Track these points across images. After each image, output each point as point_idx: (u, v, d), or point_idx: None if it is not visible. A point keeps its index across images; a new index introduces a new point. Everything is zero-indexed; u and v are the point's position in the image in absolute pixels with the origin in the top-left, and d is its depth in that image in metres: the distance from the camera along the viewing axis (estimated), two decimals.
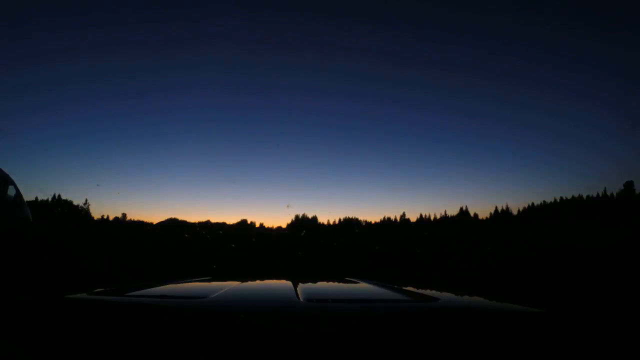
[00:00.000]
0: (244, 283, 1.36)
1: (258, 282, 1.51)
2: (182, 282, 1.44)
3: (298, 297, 0.97)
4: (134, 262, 6.90)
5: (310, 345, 0.64)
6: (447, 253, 8.95)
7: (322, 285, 1.55)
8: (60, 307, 0.85)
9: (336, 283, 1.63)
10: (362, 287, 1.42)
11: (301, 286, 1.22)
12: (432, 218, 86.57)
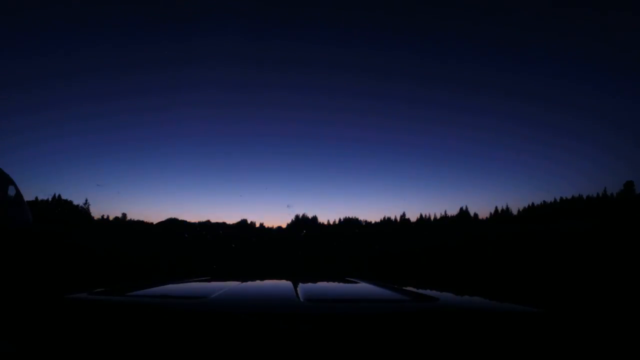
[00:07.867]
0: (244, 283, 1.36)
1: (258, 282, 1.51)
2: (182, 282, 1.44)
3: (298, 297, 0.97)
4: (134, 262, 6.90)
5: (310, 345, 0.64)
6: (447, 253, 8.96)
7: (322, 285, 1.55)
8: (60, 307, 0.85)
9: (336, 283, 1.63)
10: (362, 287, 1.41)
11: (301, 286, 1.21)
12: (432, 218, 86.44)
